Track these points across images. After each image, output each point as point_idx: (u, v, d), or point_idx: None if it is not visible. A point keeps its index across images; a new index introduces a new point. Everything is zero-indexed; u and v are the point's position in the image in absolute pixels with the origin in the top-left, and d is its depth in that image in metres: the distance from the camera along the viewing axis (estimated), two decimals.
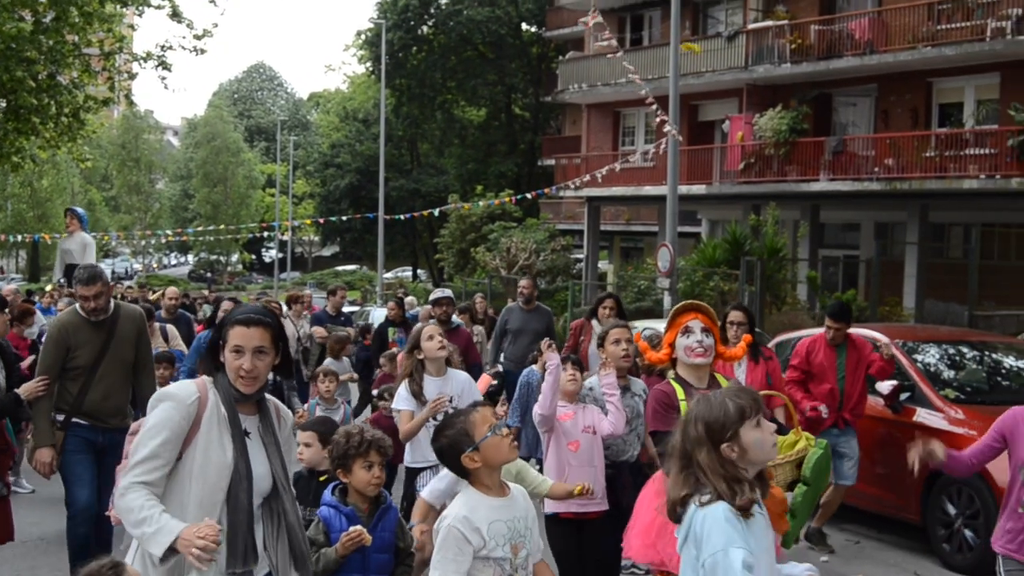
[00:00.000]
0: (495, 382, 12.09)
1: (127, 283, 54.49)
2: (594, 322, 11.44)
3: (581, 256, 37.94)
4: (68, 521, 7.44)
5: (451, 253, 40.80)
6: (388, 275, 55.44)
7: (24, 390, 7.30)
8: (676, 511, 3.65)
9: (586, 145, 37.94)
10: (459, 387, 7.63)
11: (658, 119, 21.64)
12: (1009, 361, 11.44)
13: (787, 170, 28.42)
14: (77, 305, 7.55)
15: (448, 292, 12.08)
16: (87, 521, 7.37)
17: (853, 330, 10.11)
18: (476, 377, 9.09)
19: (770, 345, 11.80)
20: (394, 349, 12.60)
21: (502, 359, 13.61)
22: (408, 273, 67.13)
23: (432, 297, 11.94)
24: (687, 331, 5.72)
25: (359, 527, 4.96)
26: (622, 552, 6.14)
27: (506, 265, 33.43)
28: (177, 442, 4.03)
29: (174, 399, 4.08)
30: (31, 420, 7.84)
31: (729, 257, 23.75)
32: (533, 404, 9.98)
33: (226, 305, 9.71)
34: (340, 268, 77.28)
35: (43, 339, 9.20)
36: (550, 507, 6.82)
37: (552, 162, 42.99)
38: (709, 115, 33.53)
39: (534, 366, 10.45)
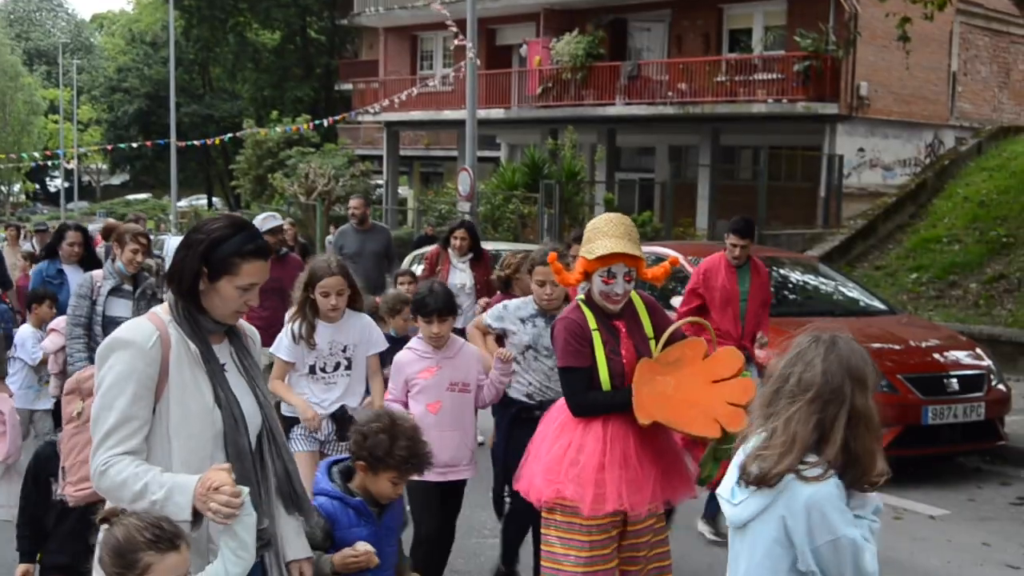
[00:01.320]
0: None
1: None
2: (450, 251, 10.97)
3: (381, 182, 37.67)
4: None
5: (248, 180, 39.90)
6: (182, 203, 53.93)
7: None
8: (768, 477, 3.06)
9: (383, 69, 37.49)
10: (358, 334, 6.28)
11: (456, 43, 21.53)
12: (795, 276, 11.91)
13: (584, 95, 28.72)
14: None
15: (279, 218, 10.88)
16: None
17: (664, 250, 10.23)
18: None
19: None
20: None
21: None
22: (203, 201, 65.47)
23: (264, 226, 9.79)
24: (610, 274, 4.93)
25: (368, 548, 4.13)
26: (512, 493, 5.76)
27: (304, 192, 32.90)
28: (149, 396, 3.31)
29: (131, 345, 3.31)
30: None
31: (528, 181, 24.00)
32: None
33: (130, 227, 8.47)
34: (131, 197, 74.69)
35: None
36: None
37: (349, 87, 42.38)
38: (507, 39, 33.52)
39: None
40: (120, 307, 7.82)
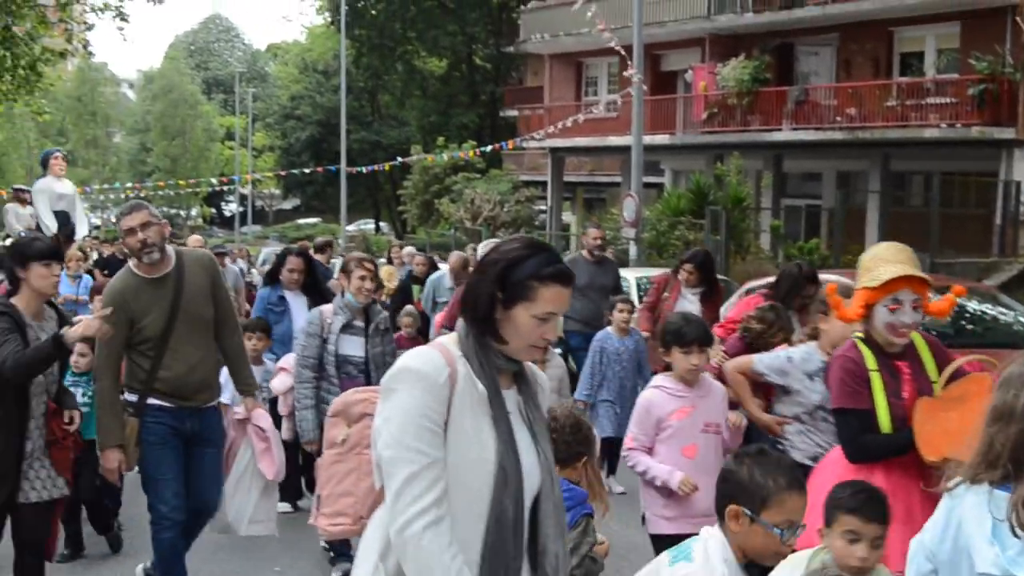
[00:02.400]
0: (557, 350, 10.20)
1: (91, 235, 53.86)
2: (681, 277, 10.18)
3: (545, 207, 37.96)
4: (152, 526, 6.18)
5: (414, 205, 40.71)
6: (351, 228, 55.24)
7: (84, 329, 5.47)
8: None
9: (549, 96, 37.84)
10: None
11: (628, 73, 21.63)
12: (972, 306, 11.63)
13: (750, 120, 28.50)
14: (131, 263, 6.21)
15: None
16: (175, 525, 6.12)
17: (835, 277, 10.07)
18: None
19: (738, 293, 11.93)
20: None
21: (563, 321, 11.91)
22: (371, 226, 66.87)
23: (484, 251, 9.77)
24: (896, 303, 4.49)
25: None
26: None
27: (470, 216, 33.42)
28: (442, 437, 2.89)
29: (423, 377, 2.90)
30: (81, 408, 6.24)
31: (693, 207, 23.89)
32: (609, 373, 9.24)
33: (355, 254, 7.81)
34: (302, 221, 76.81)
35: None
36: (660, 526, 5.55)
37: (515, 113, 42.87)
38: (672, 65, 33.51)
39: (609, 328, 9.37)
40: (353, 345, 7.17)
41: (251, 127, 72.10)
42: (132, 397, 6.11)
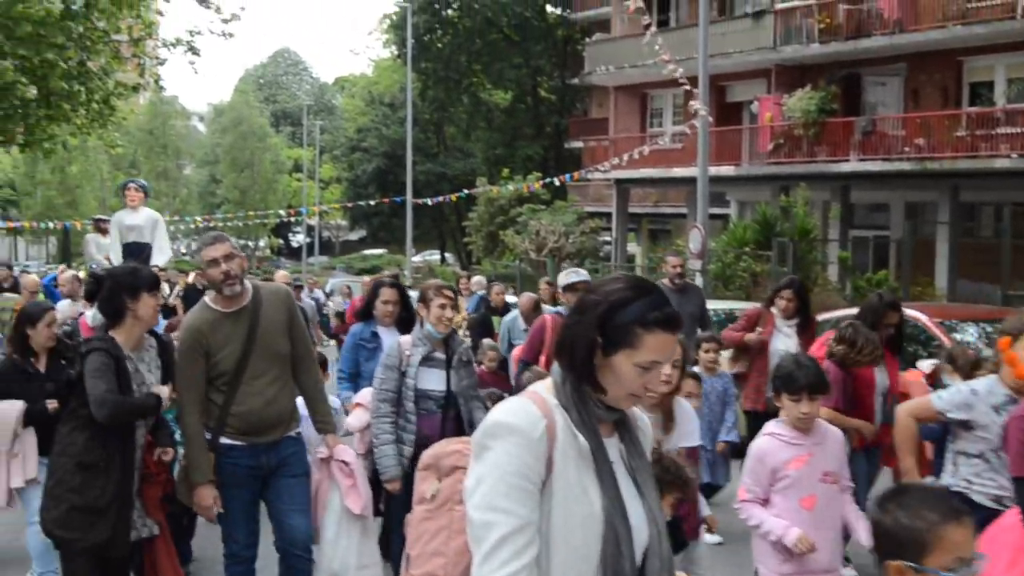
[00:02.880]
0: None
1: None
2: (775, 310, 9.53)
3: (609, 239, 37.95)
4: (225, 559, 6.14)
5: (480, 236, 40.89)
6: (416, 259, 55.60)
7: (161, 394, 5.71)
8: None
9: (613, 127, 37.90)
10: None
11: (691, 105, 21.62)
12: None
13: (816, 151, 28.35)
14: (206, 297, 6.17)
15: (583, 273, 9.46)
16: (246, 561, 6.10)
17: (908, 311, 9.76)
18: None
19: None
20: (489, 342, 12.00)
21: None
22: (436, 257, 67.24)
23: (566, 281, 9.15)
24: None
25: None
26: None
27: (535, 248, 33.49)
28: (538, 496, 2.68)
29: (516, 432, 2.68)
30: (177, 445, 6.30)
31: (760, 238, 23.76)
32: (704, 411, 8.41)
33: (433, 282, 7.34)
34: (368, 252, 77.40)
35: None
36: None
37: (579, 144, 42.97)
38: (737, 96, 33.44)
39: (696, 367, 8.66)
40: (433, 378, 6.75)
41: (318, 159, 72.89)
42: (206, 435, 5.97)
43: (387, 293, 8.31)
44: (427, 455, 4.51)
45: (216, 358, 5.85)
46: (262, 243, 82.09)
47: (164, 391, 5.62)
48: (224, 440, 5.93)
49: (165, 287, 13.02)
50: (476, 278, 19.74)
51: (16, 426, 6.79)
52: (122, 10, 19.34)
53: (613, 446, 2.83)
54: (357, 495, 6.43)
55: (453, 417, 6.71)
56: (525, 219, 36.43)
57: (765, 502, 5.19)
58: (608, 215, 38.80)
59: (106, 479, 5.31)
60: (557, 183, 35.29)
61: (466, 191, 40.49)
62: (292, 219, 68.15)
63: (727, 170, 30.31)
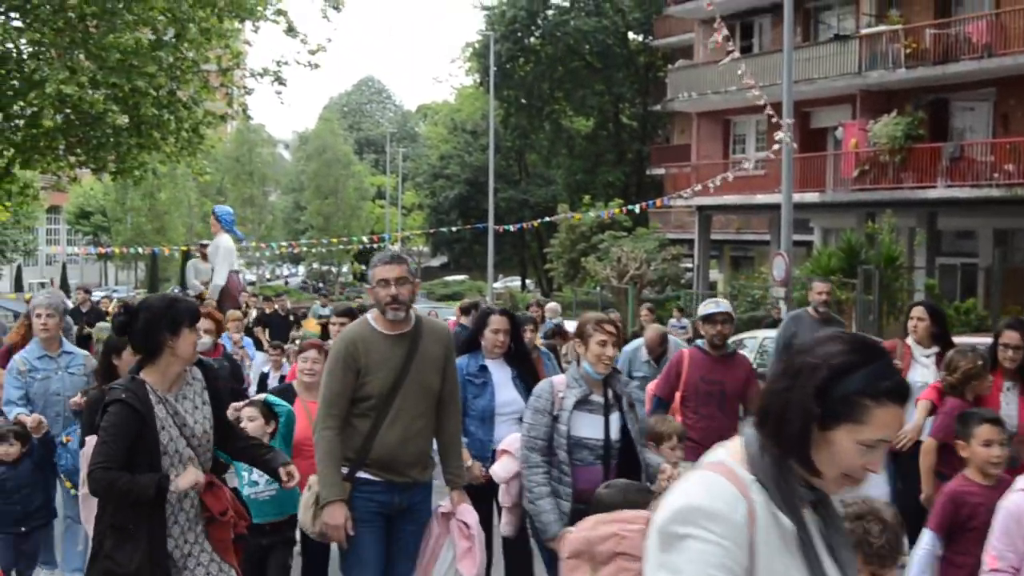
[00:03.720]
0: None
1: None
2: (910, 340, 8.62)
3: (691, 266, 37.76)
4: None
5: (561, 263, 40.93)
6: (497, 285, 55.81)
7: (189, 481, 4.82)
8: None
9: (696, 154, 37.76)
10: None
11: (773, 121, 21.47)
12: None
13: (903, 177, 27.97)
14: (368, 314, 5.86)
15: (723, 304, 8.46)
16: None
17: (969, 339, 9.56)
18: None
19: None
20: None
21: None
22: (517, 283, 67.39)
23: (705, 312, 8.31)
24: None
25: None
26: None
27: (616, 275, 33.42)
28: None
29: (716, 518, 2.32)
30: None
31: (844, 266, 23.47)
32: None
33: (592, 314, 6.46)
34: (449, 278, 77.88)
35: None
36: None
37: (660, 171, 42.86)
38: (821, 122, 33.15)
39: None
40: (590, 425, 5.88)
41: (401, 186, 73.58)
42: (343, 469, 5.60)
43: (497, 322, 7.46)
44: (575, 540, 3.95)
45: (367, 379, 5.58)
46: (345, 269, 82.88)
47: (191, 478, 4.78)
48: (362, 474, 5.61)
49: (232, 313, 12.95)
50: (551, 304, 19.73)
51: None
52: (211, 40, 19.73)
53: (811, 523, 2.48)
54: (472, 561, 5.94)
55: (614, 469, 5.86)
56: (606, 246, 36.40)
57: (1018, 571, 4.53)
58: (690, 242, 38.62)
59: (134, 545, 4.71)
60: (639, 210, 35.22)
61: (548, 218, 40.57)
62: (375, 245, 68.84)
63: (811, 196, 30.02)
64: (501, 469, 6.33)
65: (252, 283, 79.93)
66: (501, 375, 7.35)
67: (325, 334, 19.24)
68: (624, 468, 5.85)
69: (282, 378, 11.23)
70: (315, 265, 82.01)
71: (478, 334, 7.53)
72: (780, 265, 20.71)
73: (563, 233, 40.79)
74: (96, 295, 36.61)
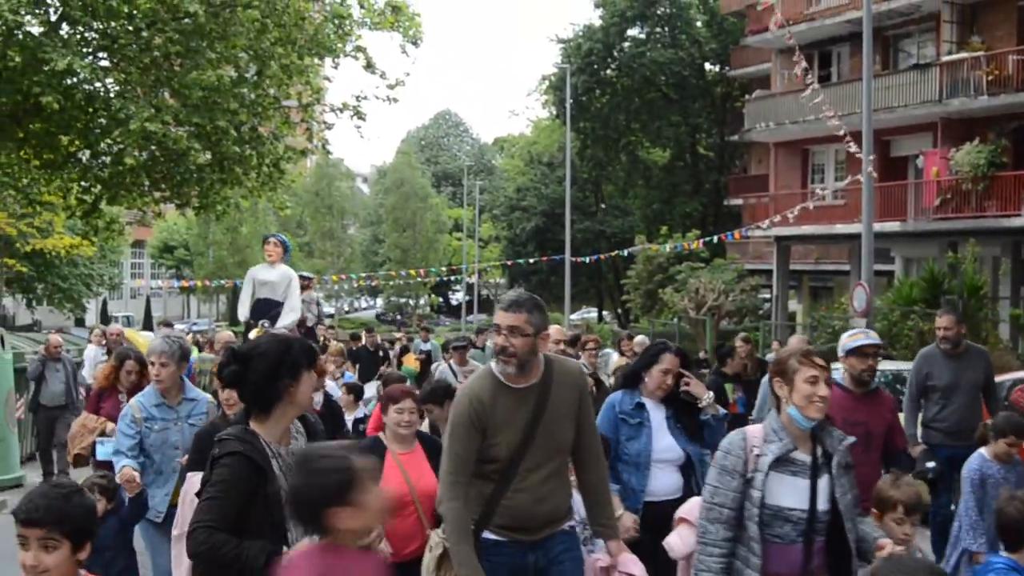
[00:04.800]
0: (931, 464, 8.51)
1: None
2: None
3: (769, 296, 37.42)
4: None
5: (638, 294, 40.78)
6: (574, 316, 55.75)
7: None
8: None
9: (774, 183, 37.50)
10: None
11: (850, 151, 21.28)
12: None
13: (986, 205, 27.54)
14: (493, 364, 5.15)
15: (872, 336, 7.41)
16: None
17: None
18: None
19: None
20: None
21: (921, 431, 9.44)
22: (593, 315, 67.27)
23: (854, 344, 7.18)
24: None
25: None
26: None
27: (694, 306, 33.23)
28: None
29: None
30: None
31: (927, 296, 23.12)
32: (991, 501, 6.65)
33: (796, 346, 5.83)
34: None
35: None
36: None
37: (738, 201, 42.62)
38: (902, 150, 32.78)
39: (983, 450, 7.23)
40: (792, 490, 4.59)
41: (478, 218, 73.89)
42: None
43: (669, 361, 6.66)
44: None
45: (492, 440, 4.99)
46: (422, 301, 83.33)
47: None
48: (486, 535, 5.06)
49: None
50: (639, 338, 19.62)
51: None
52: (292, 77, 20.02)
53: None
54: None
55: (819, 549, 4.66)
56: (684, 277, 36.22)
57: None
58: (768, 272, 38.31)
59: None
60: (716, 241, 35.04)
61: (624, 249, 40.49)
62: (452, 277, 69.10)
63: (892, 226, 29.66)
64: (679, 542, 5.29)
65: (330, 316, 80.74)
66: (658, 416, 6.64)
67: (424, 371, 19.18)
68: (832, 548, 4.69)
69: (357, 422, 10.67)
70: (392, 297, 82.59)
71: (643, 370, 6.74)
72: (861, 296, 20.44)
73: (640, 264, 40.67)
74: (178, 327, 37.20)
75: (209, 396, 7.58)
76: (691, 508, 5.26)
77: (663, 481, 6.45)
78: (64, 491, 3.36)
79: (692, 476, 6.60)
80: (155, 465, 7.08)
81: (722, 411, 7.01)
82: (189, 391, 7.34)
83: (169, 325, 17.45)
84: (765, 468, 4.55)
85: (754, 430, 4.73)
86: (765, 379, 10.18)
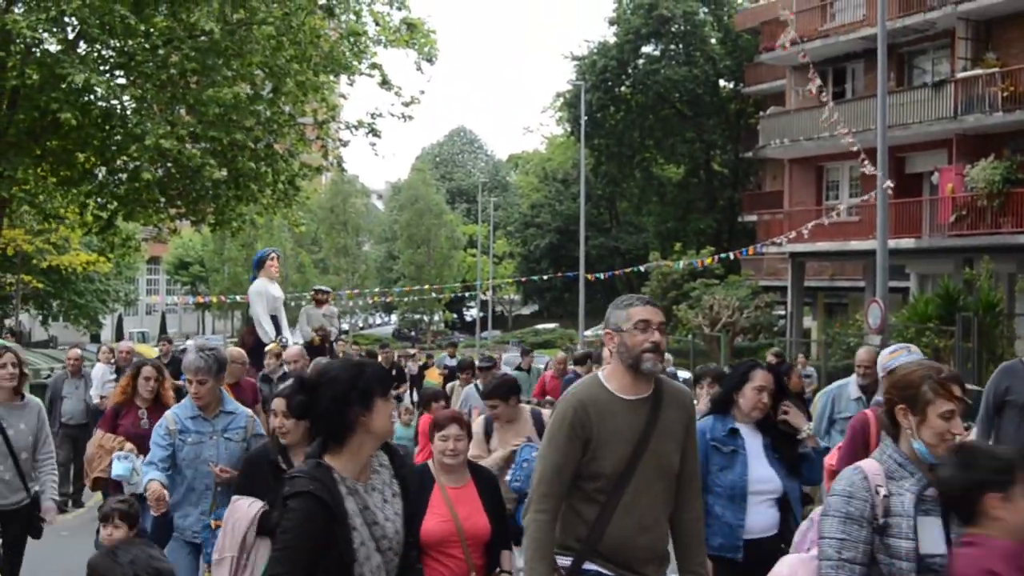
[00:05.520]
0: None
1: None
2: None
3: (784, 313, 37.36)
4: None
5: None
6: (588, 333, 55.70)
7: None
8: None
9: (788, 200, 37.47)
10: None
11: (865, 170, 21.28)
12: None
13: (1002, 222, 27.46)
14: (599, 373, 4.79)
15: (915, 351, 6.88)
16: None
17: None
18: None
19: None
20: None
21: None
22: None
23: (895, 362, 6.45)
24: None
25: None
26: None
27: (709, 323, 33.21)
28: None
29: None
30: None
31: (942, 313, 23.07)
32: None
33: (931, 366, 4.03)
34: (540, 326, 77.92)
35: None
36: None
37: (752, 218, 42.59)
38: (916, 167, 32.72)
39: None
40: (933, 533, 3.77)
41: (492, 235, 73.97)
42: (564, 560, 4.54)
43: (762, 378, 6.09)
44: None
45: (597, 453, 4.49)
46: (436, 317, 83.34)
47: None
48: (589, 566, 4.53)
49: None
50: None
51: (248, 531, 5.43)
52: (308, 94, 20.11)
53: None
54: None
55: None
56: (698, 294, 36.22)
57: None
58: (783, 289, 38.25)
59: None
60: (731, 257, 35.03)
61: (639, 266, 40.52)
62: (466, 294, 69.14)
63: (907, 242, 29.60)
64: None
65: (345, 332, 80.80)
66: (755, 444, 6.01)
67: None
68: None
69: None
70: (407, 314, 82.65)
71: (734, 391, 6.14)
72: (876, 312, 20.42)
73: (654, 281, 40.69)
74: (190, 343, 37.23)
75: (250, 413, 7.11)
76: (798, 567, 4.07)
77: (760, 516, 5.85)
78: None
79: (790, 513, 5.96)
80: (187, 481, 6.69)
81: (822, 444, 6.36)
82: (228, 404, 6.94)
83: (169, 341, 17.27)
84: (910, 511, 3.76)
85: (871, 466, 3.92)
86: (820, 396, 9.72)
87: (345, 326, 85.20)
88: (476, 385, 12.39)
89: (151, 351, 21.54)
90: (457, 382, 14.58)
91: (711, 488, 5.83)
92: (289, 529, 3.69)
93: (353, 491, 3.80)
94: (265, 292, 12.36)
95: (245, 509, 5.48)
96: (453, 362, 23.16)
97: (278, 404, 5.86)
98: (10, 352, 7.21)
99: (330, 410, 3.78)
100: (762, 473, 5.90)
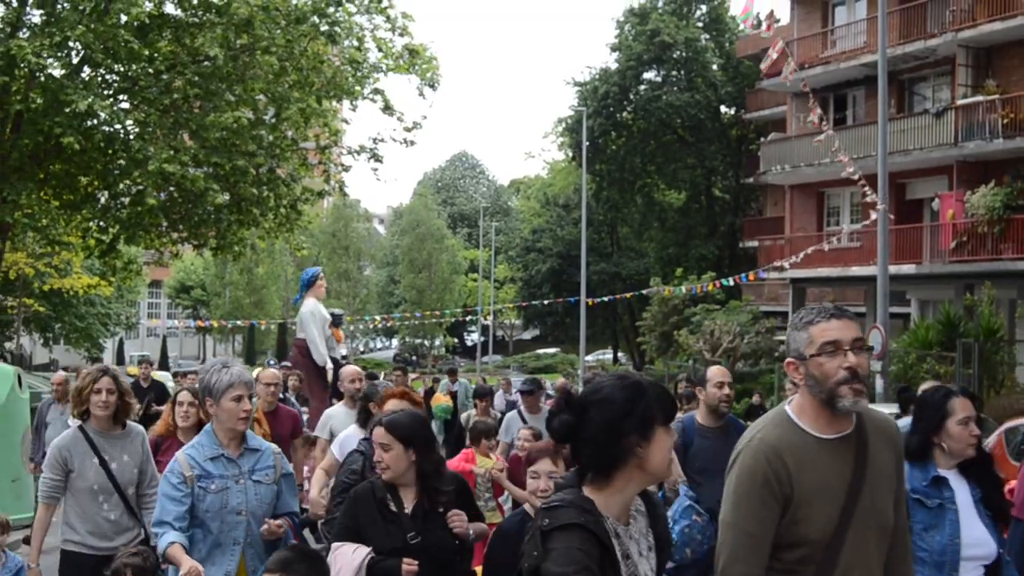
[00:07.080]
0: None
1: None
2: None
3: (784, 338, 37.37)
4: None
5: (653, 336, 40.77)
6: (589, 358, 55.71)
7: None
8: None
9: (789, 226, 37.53)
10: None
11: (865, 198, 21.34)
12: None
13: (1002, 248, 27.49)
14: (788, 407, 3.70)
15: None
16: None
17: None
18: None
19: (999, 431, 11.41)
20: None
21: None
22: (608, 356, 67.20)
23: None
24: None
25: None
26: None
27: (709, 348, 33.20)
28: None
29: None
30: None
31: (943, 339, 23.11)
32: None
33: None
34: (541, 351, 77.91)
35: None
36: None
37: (753, 243, 42.64)
38: (917, 193, 32.78)
39: None
40: None
41: (493, 260, 74.08)
42: None
43: (962, 405, 4.90)
44: None
45: (799, 514, 3.48)
46: (437, 342, 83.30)
47: None
48: None
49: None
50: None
51: None
52: (310, 120, 20.18)
53: None
54: None
55: None
56: (699, 319, 36.22)
57: None
58: (784, 314, 38.25)
59: None
60: (732, 283, 35.06)
61: (640, 291, 40.53)
62: (467, 318, 69.12)
63: (907, 268, 29.63)
64: None
65: (344, 357, 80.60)
66: (964, 496, 4.81)
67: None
68: None
69: None
70: (408, 338, 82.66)
71: (934, 433, 4.91)
72: (876, 338, 20.43)
73: (655, 306, 40.69)
74: (192, 367, 37.30)
75: (276, 448, 5.77)
76: None
77: None
78: None
79: None
80: (212, 536, 5.33)
81: None
82: (251, 439, 5.61)
83: (150, 364, 16.93)
84: None
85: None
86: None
87: (345, 351, 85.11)
88: (519, 410, 11.75)
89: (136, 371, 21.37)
90: (474, 411, 14.39)
91: (917, 555, 4.63)
92: (560, 567, 2.98)
93: (615, 534, 3.16)
94: (319, 313, 11.91)
95: (350, 556, 4.81)
96: (455, 388, 23.10)
97: (378, 434, 5.03)
98: (107, 377, 6.42)
99: (600, 437, 3.16)
100: (976, 534, 4.73)
